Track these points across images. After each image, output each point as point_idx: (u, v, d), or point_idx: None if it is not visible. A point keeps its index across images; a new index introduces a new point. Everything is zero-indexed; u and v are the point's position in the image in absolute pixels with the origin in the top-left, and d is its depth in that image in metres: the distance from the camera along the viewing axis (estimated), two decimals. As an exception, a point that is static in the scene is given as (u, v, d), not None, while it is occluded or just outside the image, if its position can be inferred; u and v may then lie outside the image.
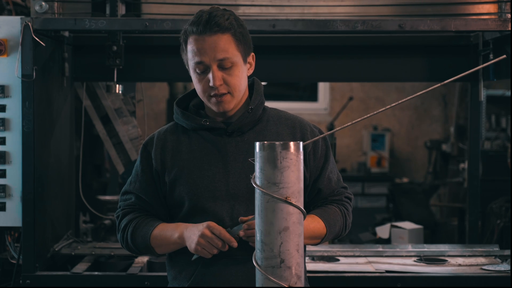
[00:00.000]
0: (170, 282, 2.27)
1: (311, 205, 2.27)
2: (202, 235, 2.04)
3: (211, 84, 2.09)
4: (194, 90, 2.30)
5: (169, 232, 2.14)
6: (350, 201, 2.31)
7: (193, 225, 2.10)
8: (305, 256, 2.32)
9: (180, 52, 2.21)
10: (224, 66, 2.10)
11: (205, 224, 2.06)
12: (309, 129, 2.24)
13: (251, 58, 2.21)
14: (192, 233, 2.07)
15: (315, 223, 2.16)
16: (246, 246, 2.05)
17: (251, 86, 2.26)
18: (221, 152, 2.16)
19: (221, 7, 2.17)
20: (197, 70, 2.12)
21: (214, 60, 2.08)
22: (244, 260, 2.08)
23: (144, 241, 2.17)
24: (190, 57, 2.13)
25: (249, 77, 2.23)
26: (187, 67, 2.21)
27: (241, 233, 2.04)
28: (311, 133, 2.23)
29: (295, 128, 2.22)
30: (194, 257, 2.11)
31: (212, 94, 2.12)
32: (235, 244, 2.04)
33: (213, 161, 2.16)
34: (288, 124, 2.23)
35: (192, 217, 2.15)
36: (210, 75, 2.09)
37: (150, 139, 2.25)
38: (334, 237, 2.25)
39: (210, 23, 2.07)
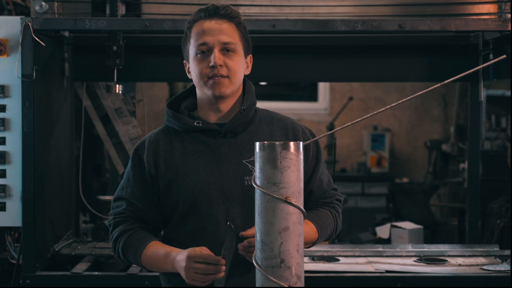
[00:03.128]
0: (163, 283, 2.25)
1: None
2: (187, 269, 1.99)
3: (211, 63, 2.10)
4: (184, 92, 2.30)
5: (161, 259, 2.10)
6: (340, 203, 2.32)
7: (179, 257, 2.03)
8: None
9: (181, 45, 2.22)
10: (227, 49, 2.12)
11: (184, 256, 2.01)
12: (301, 130, 2.24)
13: (249, 59, 2.24)
14: (180, 269, 2.03)
15: (308, 228, 2.14)
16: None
17: (243, 87, 2.25)
18: (215, 154, 2.15)
19: None
20: (199, 52, 2.13)
21: (218, 42, 2.11)
22: (248, 263, 2.06)
23: (135, 259, 2.16)
24: (193, 41, 2.15)
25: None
26: (186, 59, 2.22)
27: (240, 249, 2.01)
28: (302, 134, 2.23)
29: (287, 129, 2.22)
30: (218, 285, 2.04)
31: (210, 75, 2.12)
32: (223, 261, 1.98)
33: (207, 164, 2.14)
34: (280, 125, 2.23)
35: (187, 220, 2.14)
36: (211, 56, 2.11)
37: (141, 144, 2.22)
38: (324, 240, 2.26)
39: (218, 9, 2.14)
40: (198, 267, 1.98)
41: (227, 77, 2.13)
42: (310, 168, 2.23)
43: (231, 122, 2.16)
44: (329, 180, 2.30)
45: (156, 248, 2.13)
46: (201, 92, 2.18)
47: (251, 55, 2.24)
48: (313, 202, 2.26)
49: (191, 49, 2.16)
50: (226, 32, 2.13)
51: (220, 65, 2.11)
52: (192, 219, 2.12)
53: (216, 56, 2.10)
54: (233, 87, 2.15)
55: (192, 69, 2.17)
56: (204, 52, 2.13)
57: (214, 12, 2.14)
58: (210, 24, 2.13)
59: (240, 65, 2.16)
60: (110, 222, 2.24)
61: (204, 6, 2.17)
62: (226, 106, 2.19)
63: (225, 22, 2.14)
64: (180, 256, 2.03)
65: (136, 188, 2.19)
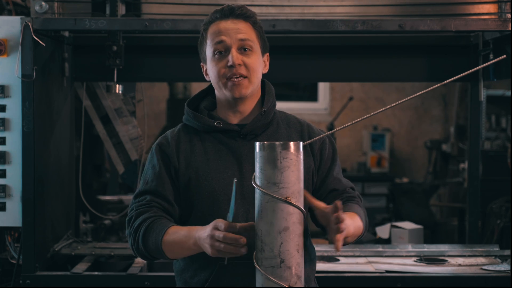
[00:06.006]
0: (179, 284, 2.19)
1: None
2: (212, 237, 1.88)
3: (230, 63, 2.09)
4: (203, 91, 2.28)
5: (182, 237, 2.00)
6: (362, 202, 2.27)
7: (201, 228, 1.95)
8: (315, 257, 2.26)
9: (197, 47, 2.21)
10: (244, 47, 2.11)
11: (211, 224, 1.91)
12: (317, 133, 2.23)
13: (266, 57, 2.24)
14: (203, 239, 1.92)
15: (358, 222, 2.07)
16: None
17: (262, 88, 2.24)
18: (235, 155, 2.14)
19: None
20: (216, 52, 2.12)
21: (235, 41, 2.11)
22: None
23: (156, 243, 2.04)
24: (209, 41, 2.13)
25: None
26: (203, 61, 2.21)
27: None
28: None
29: (304, 132, 2.22)
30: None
31: (229, 75, 2.10)
32: (243, 240, 1.84)
33: (228, 164, 2.13)
34: (297, 128, 2.23)
35: (206, 219, 2.04)
36: (229, 56, 2.10)
37: (164, 139, 2.19)
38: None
39: (233, 9, 2.13)
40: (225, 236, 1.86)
41: (246, 77, 2.12)
42: (325, 169, 2.21)
43: (252, 123, 2.15)
44: (346, 180, 2.27)
45: (180, 228, 2.04)
46: (220, 93, 2.17)
47: (268, 54, 2.24)
48: (336, 198, 2.17)
49: (208, 50, 2.15)
50: (242, 30, 2.12)
51: (239, 64, 2.10)
52: (210, 219, 1.99)
53: (234, 56, 2.09)
54: (253, 86, 2.14)
55: (210, 70, 2.16)
56: (222, 52, 2.12)
57: (230, 12, 2.13)
58: (226, 24, 2.12)
59: (258, 64, 2.15)
60: (131, 214, 2.13)
61: (219, 7, 2.16)
62: (245, 107, 2.18)
63: (241, 22, 2.13)
64: (204, 228, 1.93)
65: (162, 182, 2.13)
